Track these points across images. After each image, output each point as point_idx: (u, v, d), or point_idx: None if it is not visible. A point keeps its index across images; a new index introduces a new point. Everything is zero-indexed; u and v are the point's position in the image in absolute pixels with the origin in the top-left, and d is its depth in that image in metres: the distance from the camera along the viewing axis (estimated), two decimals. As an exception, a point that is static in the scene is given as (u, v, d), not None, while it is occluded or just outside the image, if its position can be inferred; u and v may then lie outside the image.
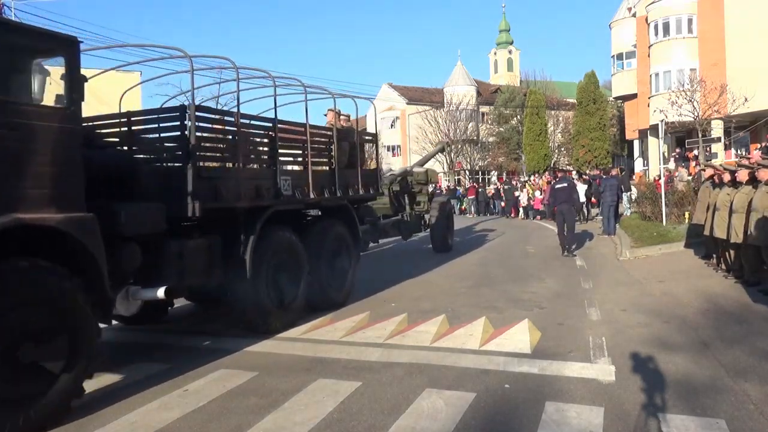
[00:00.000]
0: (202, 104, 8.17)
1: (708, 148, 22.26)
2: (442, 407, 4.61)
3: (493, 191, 31.34)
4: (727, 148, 27.13)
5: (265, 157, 7.63)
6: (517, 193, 27.09)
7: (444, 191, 35.24)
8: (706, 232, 9.96)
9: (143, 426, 4.48)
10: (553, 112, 45.44)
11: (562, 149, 44.89)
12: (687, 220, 14.43)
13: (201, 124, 6.48)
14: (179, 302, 8.52)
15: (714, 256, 10.45)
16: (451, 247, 14.86)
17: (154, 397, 5.09)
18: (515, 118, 46.35)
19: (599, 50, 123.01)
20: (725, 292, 8.54)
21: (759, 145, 23.70)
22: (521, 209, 26.51)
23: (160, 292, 5.61)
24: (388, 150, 52.11)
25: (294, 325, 7.40)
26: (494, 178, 43.54)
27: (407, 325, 7.30)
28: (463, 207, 32.98)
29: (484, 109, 49.72)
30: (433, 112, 44.97)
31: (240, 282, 6.63)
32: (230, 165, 7.00)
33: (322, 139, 8.72)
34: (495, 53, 73.64)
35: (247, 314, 6.94)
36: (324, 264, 8.20)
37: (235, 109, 7.09)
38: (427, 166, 17.25)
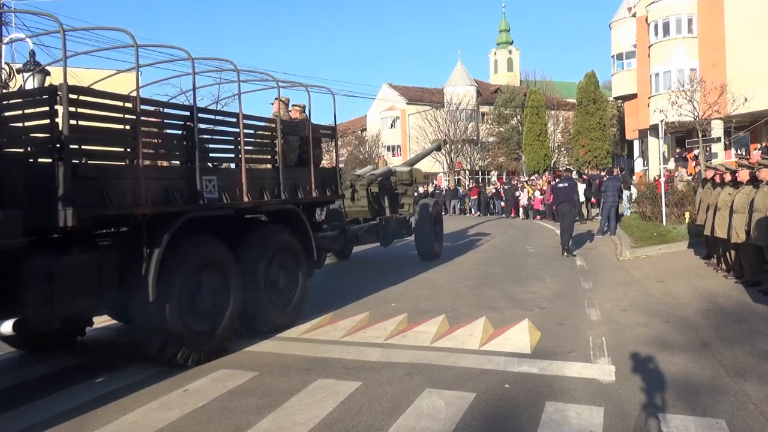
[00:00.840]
0: (89, 87, 6.73)
1: (708, 148, 22.24)
2: (442, 407, 4.61)
3: (493, 191, 31.35)
4: (727, 148, 27.12)
5: (180, 152, 6.35)
6: (517, 193, 27.08)
7: (444, 191, 35.29)
8: (707, 232, 9.96)
9: (143, 426, 4.49)
10: (553, 112, 45.44)
11: (562, 149, 44.88)
12: (687, 220, 14.44)
13: (85, 111, 5.21)
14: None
15: (714, 256, 10.45)
16: (438, 255, 13.33)
17: (154, 397, 5.09)
18: (515, 118, 46.34)
19: (599, 50, 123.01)
20: (725, 292, 8.54)
21: (759, 145, 23.73)
22: (521, 209, 26.51)
23: (6, 327, 4.47)
24: (388, 150, 52.10)
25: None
26: (494, 178, 43.55)
27: (407, 325, 7.29)
28: (463, 207, 32.98)
29: (484, 109, 49.73)
30: (433, 112, 44.97)
31: (142, 306, 5.48)
32: (125, 161, 5.81)
33: (263, 133, 7.62)
34: (495, 53, 73.70)
35: (152, 344, 5.70)
36: (264, 280, 7.00)
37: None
38: (419, 165, 16.39)
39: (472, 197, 31.56)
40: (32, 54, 11.20)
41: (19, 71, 11.45)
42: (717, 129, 24.89)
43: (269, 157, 7.73)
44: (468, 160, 45.31)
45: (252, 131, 7.43)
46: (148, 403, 4.94)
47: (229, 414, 4.66)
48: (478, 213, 30.42)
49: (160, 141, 6.33)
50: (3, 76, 11.58)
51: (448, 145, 43.47)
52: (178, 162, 6.48)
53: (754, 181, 8.47)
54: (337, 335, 7.00)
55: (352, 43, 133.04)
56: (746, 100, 20.89)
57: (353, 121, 60.26)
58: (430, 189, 35.36)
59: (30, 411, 4.87)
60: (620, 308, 7.91)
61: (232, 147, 6.98)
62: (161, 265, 5.49)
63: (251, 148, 7.39)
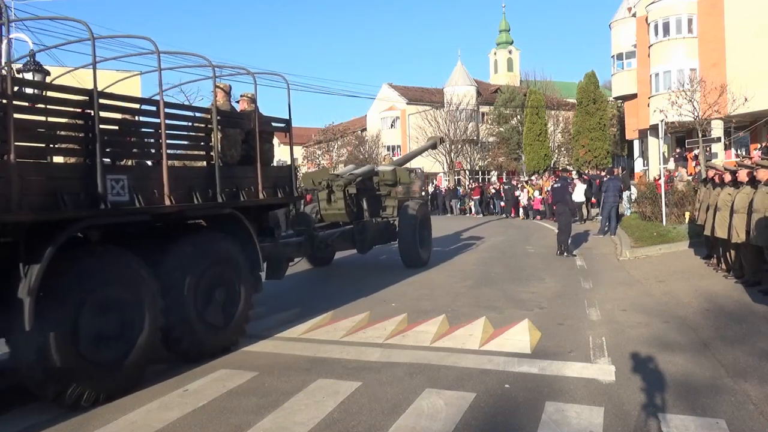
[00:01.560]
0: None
1: (708, 148, 22.26)
2: (442, 407, 4.61)
3: (493, 191, 31.33)
4: (727, 148, 27.14)
5: (75, 145, 5.38)
6: (517, 193, 27.08)
7: (444, 191, 35.27)
8: (707, 232, 9.96)
9: (143, 426, 4.48)
10: (553, 112, 45.44)
11: (562, 149, 44.89)
12: (687, 220, 14.45)
13: None
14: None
15: (714, 256, 10.45)
16: (425, 262, 12.26)
17: (154, 397, 5.09)
18: (515, 118, 46.34)
19: (599, 50, 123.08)
20: (725, 292, 8.54)
21: (759, 145, 23.74)
22: (521, 209, 26.50)
23: None
24: (388, 150, 52.08)
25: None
26: (494, 178, 43.56)
27: (407, 325, 7.29)
28: (464, 207, 32.97)
29: (484, 109, 49.72)
30: (433, 112, 44.98)
31: (19, 334, 4.50)
32: None
33: (195, 124, 6.60)
34: (495, 53, 73.73)
35: (33, 379, 4.72)
36: (193, 297, 5.97)
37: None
38: (418, 162, 16.23)
39: (474, 197, 31.48)
40: (32, 54, 11.20)
41: (19, 71, 11.45)
42: (717, 129, 24.90)
43: (202, 153, 6.67)
44: (468, 160, 45.31)
45: (179, 122, 6.31)
46: (148, 403, 4.93)
47: (229, 414, 4.66)
48: (482, 213, 30.29)
49: (43, 131, 5.13)
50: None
51: (447, 145, 43.53)
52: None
53: (754, 182, 8.47)
54: (337, 335, 7.00)
55: (352, 43, 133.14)
56: (746, 100, 20.91)
57: (353, 121, 60.26)
58: (431, 189, 35.41)
59: (30, 411, 4.86)
60: (620, 308, 7.91)
61: (153, 140, 5.87)
62: (45, 284, 4.47)
63: (177, 142, 6.32)
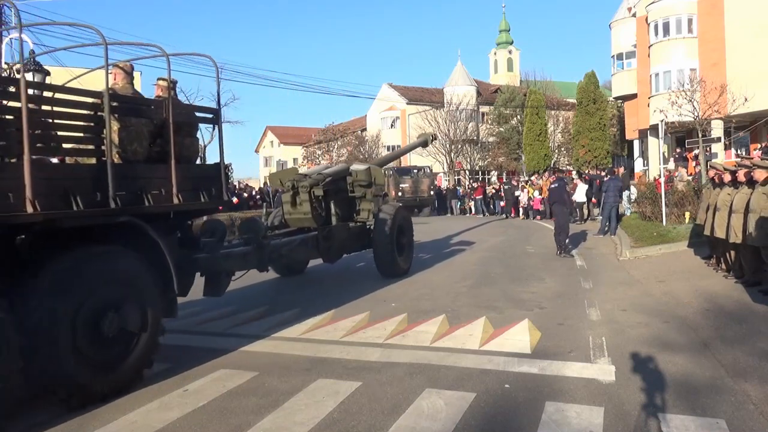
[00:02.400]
0: None
1: (708, 148, 22.26)
2: (442, 407, 4.61)
3: (493, 191, 31.30)
4: (727, 148, 27.15)
5: None
6: (517, 193, 27.07)
7: (444, 191, 35.25)
8: (707, 232, 9.97)
9: (143, 426, 4.48)
10: (553, 112, 45.45)
11: (562, 149, 44.90)
12: (687, 220, 14.45)
13: None
14: (178, 301, 8.50)
15: (714, 256, 10.46)
16: (403, 271, 11.17)
17: (154, 397, 5.09)
18: (515, 118, 46.35)
19: (599, 50, 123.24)
20: (725, 292, 8.54)
21: (759, 145, 23.75)
22: (520, 209, 26.47)
23: None
24: (388, 150, 52.07)
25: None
26: (494, 178, 43.54)
27: (407, 325, 7.29)
28: (463, 207, 32.92)
29: (484, 109, 49.73)
30: (433, 112, 44.98)
31: None
32: None
33: (76, 111, 5.23)
34: (495, 53, 73.77)
35: None
36: (69, 332, 4.69)
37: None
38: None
39: (476, 197, 31.40)
40: (32, 54, 11.21)
41: (19, 71, 11.46)
42: (717, 129, 24.91)
43: (90, 146, 5.45)
44: (468, 160, 45.31)
45: (48, 107, 5.12)
46: (148, 403, 4.93)
47: (229, 414, 4.66)
48: (485, 213, 30.19)
49: None
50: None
51: (447, 145, 43.49)
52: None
53: (751, 182, 8.48)
54: (337, 335, 7.00)
55: (352, 43, 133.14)
56: (746, 100, 20.92)
57: (353, 121, 60.28)
58: (426, 186, 35.30)
59: (30, 411, 4.86)
60: (620, 308, 7.91)
61: (12, 130, 4.56)
62: None
63: (48, 132, 5.10)
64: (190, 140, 6.60)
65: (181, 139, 6.19)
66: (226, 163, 7.01)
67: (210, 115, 6.98)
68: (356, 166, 11.56)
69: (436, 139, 16.54)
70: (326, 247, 9.91)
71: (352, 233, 10.78)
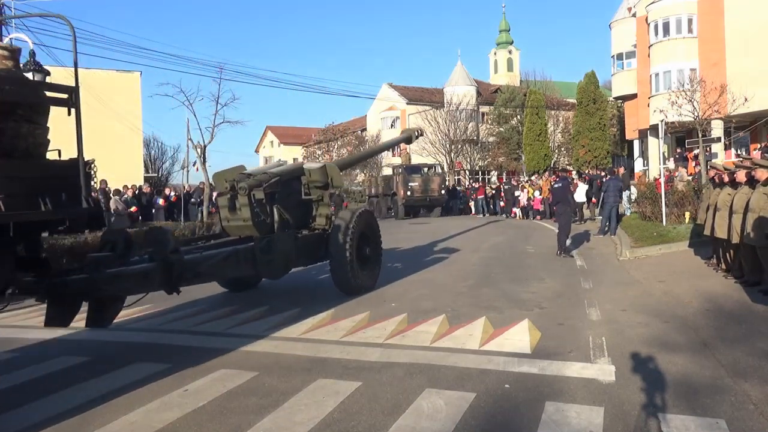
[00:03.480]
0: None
1: (708, 148, 22.26)
2: (442, 407, 4.61)
3: (492, 191, 31.31)
4: (727, 148, 27.16)
5: None
6: (517, 193, 27.07)
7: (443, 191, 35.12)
8: (707, 232, 9.97)
9: (143, 426, 4.48)
10: (553, 112, 45.46)
11: (562, 149, 44.91)
12: (687, 220, 14.45)
13: None
14: (178, 301, 8.52)
15: (714, 256, 10.46)
16: (367, 287, 9.56)
17: (154, 397, 5.09)
18: (515, 118, 46.36)
19: (599, 50, 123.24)
20: (725, 292, 8.54)
21: (759, 145, 23.75)
22: (519, 209, 26.47)
23: None
24: (389, 150, 52.02)
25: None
26: (494, 178, 43.55)
27: (407, 325, 7.29)
28: (462, 207, 32.92)
29: (484, 109, 49.74)
30: (433, 112, 44.98)
31: None
32: None
33: None
34: (495, 53, 73.73)
35: None
36: None
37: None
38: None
39: (478, 197, 31.36)
40: (32, 54, 11.20)
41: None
42: (717, 129, 24.92)
43: None
44: (468, 160, 45.32)
45: None
46: (148, 403, 4.93)
47: (229, 414, 4.66)
48: (487, 213, 30.15)
49: None
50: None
51: (447, 145, 43.45)
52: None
53: (752, 182, 8.48)
54: (337, 335, 7.00)
55: (352, 43, 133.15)
56: (746, 100, 20.93)
57: (353, 120, 60.29)
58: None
59: (30, 411, 4.86)
60: (620, 308, 7.91)
61: None
62: None
63: None
64: (29, 127, 4.97)
65: (14, 124, 4.75)
66: (87, 159, 5.45)
67: (64, 95, 5.31)
68: (310, 165, 10.06)
69: (421, 135, 14.91)
70: (265, 262, 8.21)
71: (303, 243, 9.11)
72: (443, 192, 31.35)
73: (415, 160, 39.39)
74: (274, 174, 9.16)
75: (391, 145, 17.03)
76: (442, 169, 34.87)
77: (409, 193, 29.70)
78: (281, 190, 9.15)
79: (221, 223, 9.12)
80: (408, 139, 14.57)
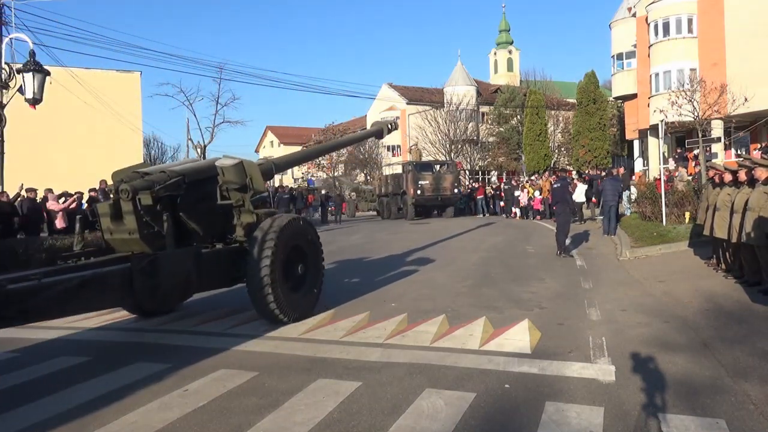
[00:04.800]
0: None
1: (708, 148, 22.26)
2: (442, 407, 4.61)
3: (492, 191, 31.29)
4: (727, 148, 27.16)
5: None
6: (517, 193, 27.07)
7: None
8: (706, 232, 9.97)
9: (143, 426, 4.48)
10: (553, 112, 45.48)
11: (562, 149, 44.92)
12: (687, 220, 14.45)
13: None
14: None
15: (714, 256, 10.46)
16: (303, 315, 7.71)
17: (154, 397, 5.09)
18: (515, 118, 46.39)
19: (599, 50, 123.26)
20: (725, 292, 8.54)
21: (759, 145, 23.75)
22: (519, 209, 26.45)
23: None
24: (388, 150, 52.11)
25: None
26: (494, 178, 43.56)
27: (407, 325, 7.29)
28: (464, 207, 32.90)
29: (484, 109, 49.77)
30: (433, 112, 45.01)
31: None
32: None
33: None
34: (495, 53, 73.79)
35: None
36: None
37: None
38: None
39: (478, 197, 31.28)
40: (32, 54, 11.21)
41: (19, 71, 11.47)
42: (717, 129, 24.92)
43: None
44: (468, 160, 45.34)
45: None
46: (148, 403, 4.93)
47: (229, 414, 4.66)
48: (487, 214, 30.07)
49: None
50: (3, 76, 11.59)
51: (447, 144, 43.41)
52: None
53: (752, 182, 8.47)
54: (337, 335, 7.00)
55: (352, 43, 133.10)
56: (746, 100, 20.91)
57: (353, 121, 60.35)
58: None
59: (30, 411, 4.86)
60: (620, 308, 7.91)
61: None
62: None
63: None
64: None
65: None
66: None
67: None
68: (223, 161, 7.85)
69: (395, 128, 13.08)
70: (148, 288, 6.44)
71: (209, 261, 7.30)
72: (456, 191, 29.41)
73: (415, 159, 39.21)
74: (175, 173, 7.31)
75: (358, 140, 15.27)
76: (455, 166, 32.60)
77: (419, 192, 27.76)
78: (186, 193, 7.38)
79: (103, 235, 7.28)
80: (379, 133, 12.88)
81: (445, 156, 42.85)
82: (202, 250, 7.32)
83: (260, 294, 7.19)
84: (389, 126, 12.88)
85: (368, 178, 48.73)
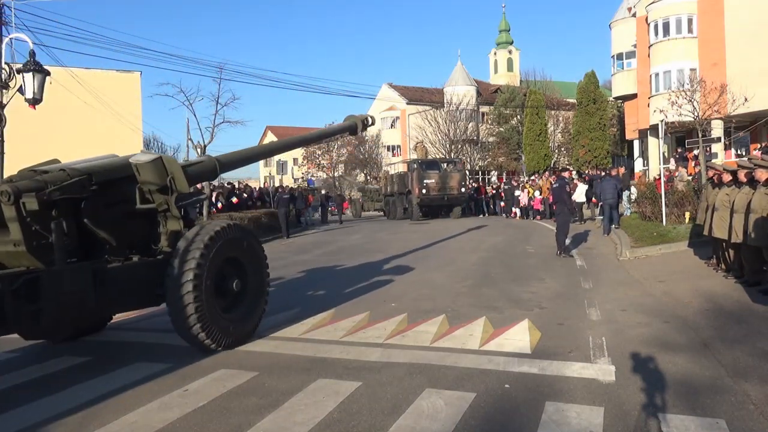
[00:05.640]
0: None
1: (708, 148, 22.23)
2: (442, 407, 4.61)
3: (492, 191, 31.29)
4: (727, 148, 27.15)
5: None
6: (517, 193, 27.06)
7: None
8: (706, 232, 9.97)
9: (143, 426, 4.48)
10: (553, 112, 45.51)
11: (562, 149, 44.95)
12: (687, 220, 14.44)
13: None
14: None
15: (714, 256, 10.46)
16: (243, 336, 6.70)
17: (154, 397, 5.09)
18: (515, 118, 46.42)
19: (599, 50, 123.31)
20: (725, 292, 8.54)
21: (759, 145, 23.74)
22: (519, 209, 26.45)
23: None
24: (388, 150, 52.12)
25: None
26: (494, 178, 43.57)
27: (407, 325, 7.29)
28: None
29: (484, 109, 49.80)
30: (433, 112, 45.01)
31: None
32: None
33: None
34: (495, 53, 73.78)
35: None
36: None
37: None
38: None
39: (478, 197, 31.24)
40: (32, 54, 11.20)
41: (19, 71, 11.46)
42: (717, 129, 24.91)
43: None
44: (468, 160, 45.36)
45: None
46: (148, 403, 4.93)
47: (229, 414, 4.66)
48: (485, 213, 30.04)
49: None
50: (3, 76, 11.58)
51: (447, 144, 43.36)
52: None
53: (752, 182, 8.47)
54: (337, 335, 7.00)
55: (352, 43, 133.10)
56: (746, 100, 20.89)
57: (353, 121, 60.17)
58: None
59: (30, 411, 4.86)
60: (620, 308, 7.91)
61: None
62: None
63: None
64: None
65: None
66: None
67: None
68: (138, 158, 6.61)
69: (372, 124, 11.88)
70: (24, 314, 5.29)
71: (115, 279, 6.10)
72: (464, 190, 28.13)
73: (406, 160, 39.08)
74: (78, 172, 6.05)
75: (328, 135, 14.28)
76: (462, 164, 31.33)
77: (424, 191, 26.46)
78: (94, 196, 6.15)
79: None
80: (353, 128, 11.32)
81: (445, 156, 42.86)
82: (108, 265, 6.14)
83: (180, 316, 6.03)
84: (365, 121, 11.40)
85: (368, 178, 48.68)
